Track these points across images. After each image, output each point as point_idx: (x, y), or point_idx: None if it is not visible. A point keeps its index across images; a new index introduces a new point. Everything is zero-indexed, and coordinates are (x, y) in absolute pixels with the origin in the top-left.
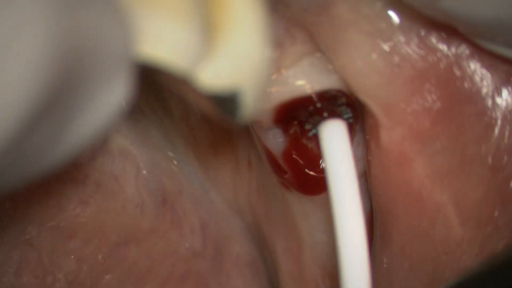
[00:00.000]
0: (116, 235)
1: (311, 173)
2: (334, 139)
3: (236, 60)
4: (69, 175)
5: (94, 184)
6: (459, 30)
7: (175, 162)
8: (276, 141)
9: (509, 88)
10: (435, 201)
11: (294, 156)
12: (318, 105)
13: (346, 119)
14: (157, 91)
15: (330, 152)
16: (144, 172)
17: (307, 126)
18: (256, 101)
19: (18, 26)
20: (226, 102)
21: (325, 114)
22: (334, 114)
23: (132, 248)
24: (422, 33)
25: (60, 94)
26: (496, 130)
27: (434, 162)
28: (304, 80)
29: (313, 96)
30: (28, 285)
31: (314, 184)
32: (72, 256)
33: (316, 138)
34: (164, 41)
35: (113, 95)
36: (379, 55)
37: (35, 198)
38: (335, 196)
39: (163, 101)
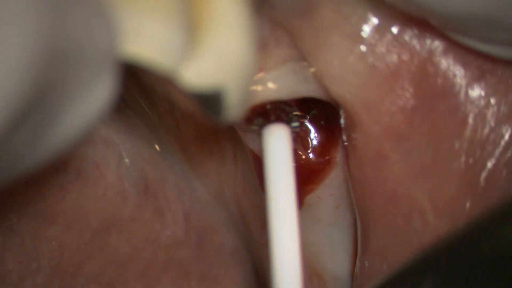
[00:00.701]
0: (97, 221)
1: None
2: (276, 142)
3: (219, 59)
4: None
5: (74, 171)
6: (433, 25)
7: (158, 152)
8: (256, 142)
9: (482, 83)
10: (410, 198)
11: None
12: (268, 106)
13: (293, 127)
14: (141, 83)
15: (269, 153)
16: (127, 160)
17: (254, 127)
18: (240, 100)
19: (2, 25)
20: (210, 101)
21: (272, 118)
22: (281, 119)
23: (113, 235)
24: (395, 31)
25: (44, 92)
26: (469, 126)
27: (409, 159)
28: (277, 85)
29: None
30: (13, 271)
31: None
32: (54, 242)
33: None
34: (147, 40)
35: (97, 93)
36: (356, 57)
37: (15, 185)
38: (271, 199)
39: (148, 93)
